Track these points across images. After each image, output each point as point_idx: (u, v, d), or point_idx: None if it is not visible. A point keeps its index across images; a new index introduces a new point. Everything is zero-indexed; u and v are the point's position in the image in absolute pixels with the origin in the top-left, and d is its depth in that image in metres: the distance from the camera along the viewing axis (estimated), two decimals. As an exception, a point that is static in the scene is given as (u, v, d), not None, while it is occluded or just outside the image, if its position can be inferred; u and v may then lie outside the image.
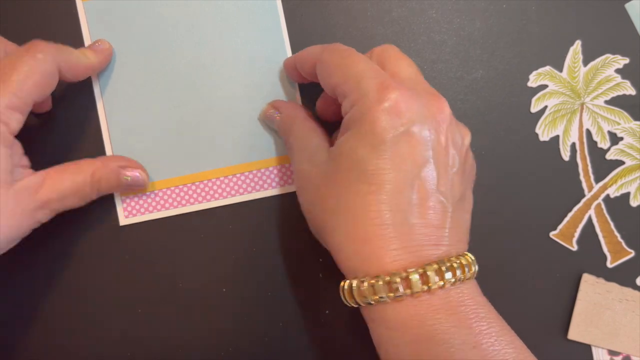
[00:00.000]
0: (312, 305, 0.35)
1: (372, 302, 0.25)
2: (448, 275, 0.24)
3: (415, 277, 0.24)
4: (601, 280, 0.33)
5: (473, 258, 0.26)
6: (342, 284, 0.27)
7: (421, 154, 0.26)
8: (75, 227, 0.35)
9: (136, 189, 0.34)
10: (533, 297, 0.35)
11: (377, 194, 0.25)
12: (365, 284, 0.25)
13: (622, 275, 0.35)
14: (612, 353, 0.35)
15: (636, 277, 0.35)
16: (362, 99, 0.26)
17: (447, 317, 0.24)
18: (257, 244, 0.35)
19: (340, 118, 0.29)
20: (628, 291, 0.33)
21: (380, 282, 0.24)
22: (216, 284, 0.35)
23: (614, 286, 0.33)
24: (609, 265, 0.35)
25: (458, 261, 0.25)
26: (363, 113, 0.26)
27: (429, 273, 0.24)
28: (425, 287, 0.24)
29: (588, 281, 0.33)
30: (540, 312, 0.35)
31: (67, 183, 0.30)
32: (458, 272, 0.25)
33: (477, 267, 0.26)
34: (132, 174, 0.33)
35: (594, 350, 0.35)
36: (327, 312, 0.35)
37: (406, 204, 0.25)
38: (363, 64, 0.27)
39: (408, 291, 0.24)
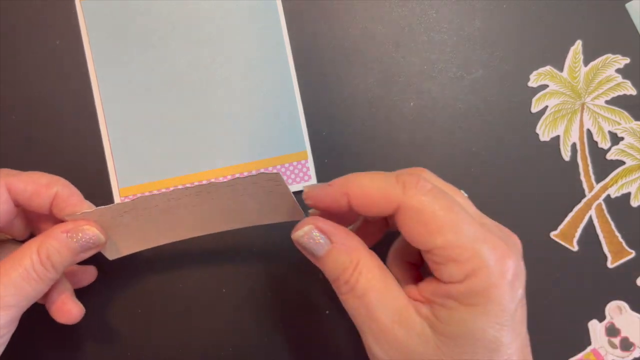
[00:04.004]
0: (312, 305, 0.35)
1: None
2: None
3: None
4: (93, 210, 0.29)
5: None
6: None
7: (524, 309, 0.25)
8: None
9: (94, 248, 0.29)
10: (533, 298, 0.35)
11: None
12: None
13: (623, 276, 0.35)
14: (609, 334, 0.35)
15: (637, 277, 0.35)
16: (482, 271, 0.23)
17: None
18: (257, 244, 0.35)
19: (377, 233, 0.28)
20: (125, 204, 0.28)
21: None
22: (216, 284, 0.35)
23: (103, 210, 0.28)
24: (610, 265, 0.35)
25: None
26: (487, 289, 0.23)
27: None
28: None
29: (74, 218, 0.29)
30: (540, 312, 0.35)
31: (15, 273, 0.26)
32: None
33: None
34: (82, 235, 0.28)
35: (591, 331, 0.35)
36: (327, 312, 0.35)
37: None
38: (470, 223, 0.24)
39: None
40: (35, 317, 0.35)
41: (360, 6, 0.36)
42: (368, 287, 0.24)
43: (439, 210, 0.23)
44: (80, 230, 0.28)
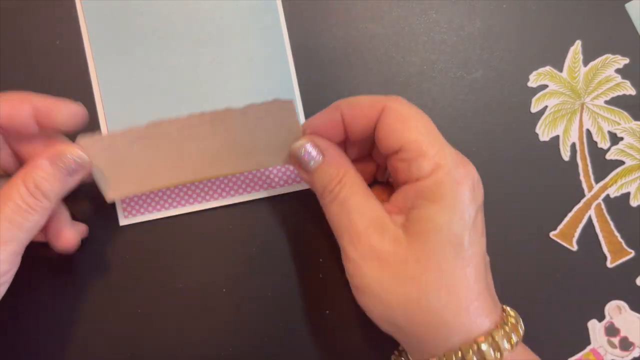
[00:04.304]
0: (312, 305, 0.35)
1: None
2: (520, 329, 0.27)
3: (510, 332, 0.26)
4: (97, 138, 0.29)
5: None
6: None
7: (483, 223, 0.28)
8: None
9: (81, 170, 0.29)
10: (532, 297, 0.35)
11: (471, 267, 0.26)
12: (470, 352, 0.25)
13: (622, 275, 0.35)
14: (609, 333, 0.35)
15: (636, 277, 0.36)
16: (447, 166, 0.26)
17: None
18: (257, 244, 0.35)
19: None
20: (137, 130, 0.29)
21: (486, 345, 0.25)
22: (216, 284, 0.35)
23: (115, 136, 0.29)
24: (609, 265, 0.35)
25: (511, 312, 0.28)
26: (452, 185, 0.26)
27: (507, 329, 0.26)
28: (517, 339, 0.26)
29: (87, 146, 0.29)
30: (539, 312, 0.35)
31: (7, 209, 0.26)
32: (521, 323, 0.27)
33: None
34: (65, 158, 0.28)
35: (590, 331, 0.35)
36: (327, 312, 0.35)
37: (484, 271, 0.27)
38: (439, 133, 0.27)
39: (508, 346, 0.26)
40: (34, 314, 0.35)
41: (360, 6, 0.36)
42: (349, 195, 0.27)
43: (416, 114, 0.27)
44: (63, 154, 0.28)
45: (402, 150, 0.27)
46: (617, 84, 0.36)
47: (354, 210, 0.27)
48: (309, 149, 0.28)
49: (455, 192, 0.26)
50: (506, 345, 0.25)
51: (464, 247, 0.26)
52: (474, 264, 0.26)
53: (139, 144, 0.29)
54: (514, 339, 0.26)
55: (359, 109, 0.28)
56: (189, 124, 0.29)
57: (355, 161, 0.31)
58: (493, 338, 0.25)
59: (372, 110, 0.27)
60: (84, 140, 0.28)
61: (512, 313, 0.28)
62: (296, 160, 0.29)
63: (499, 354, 0.25)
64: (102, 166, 0.30)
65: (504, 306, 0.28)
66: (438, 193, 0.26)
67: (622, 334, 0.35)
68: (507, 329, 0.26)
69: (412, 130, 0.26)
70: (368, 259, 0.27)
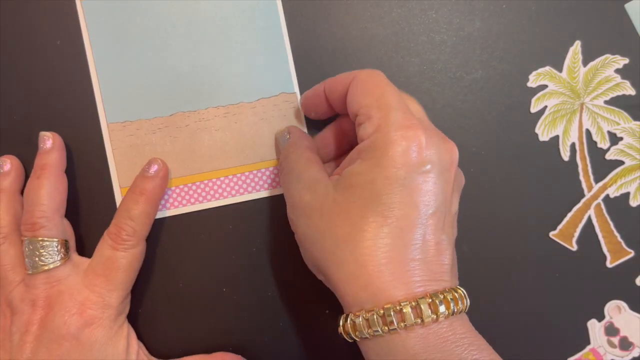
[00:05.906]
0: (312, 305, 0.35)
1: (385, 331, 0.25)
2: (442, 308, 0.25)
3: (426, 309, 0.25)
4: (127, 123, 0.33)
5: (465, 292, 0.27)
6: (342, 320, 0.27)
7: (435, 196, 0.26)
8: (76, 227, 0.34)
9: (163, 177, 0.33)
10: (532, 297, 0.35)
11: (393, 227, 0.26)
12: (375, 315, 0.25)
13: (622, 275, 0.35)
14: (608, 333, 0.35)
15: (636, 277, 0.36)
16: (387, 128, 0.26)
17: (441, 351, 0.25)
18: (257, 244, 0.35)
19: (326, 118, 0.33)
20: (156, 120, 0.33)
21: (392, 312, 0.25)
22: (216, 284, 0.35)
23: (142, 122, 0.33)
24: (609, 265, 0.35)
25: (454, 294, 0.26)
26: (386, 144, 0.26)
27: (422, 306, 0.25)
28: (433, 317, 0.25)
29: (115, 129, 0.33)
30: (539, 312, 0.35)
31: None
32: (452, 305, 0.25)
33: (468, 301, 0.27)
34: (151, 168, 0.33)
35: (590, 331, 0.35)
36: (327, 312, 0.35)
37: (417, 240, 0.26)
38: (398, 101, 0.27)
39: (418, 320, 0.25)
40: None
41: (360, 6, 0.36)
42: (292, 167, 0.30)
43: (380, 82, 0.28)
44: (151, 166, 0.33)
45: (357, 115, 0.28)
46: (617, 84, 0.36)
47: (294, 178, 0.29)
48: (284, 133, 0.33)
49: (386, 150, 0.26)
50: (413, 319, 0.24)
51: (384, 205, 0.26)
52: (396, 226, 0.25)
53: (160, 133, 0.32)
54: (427, 314, 0.24)
55: (335, 79, 0.31)
56: (206, 117, 0.32)
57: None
58: (402, 308, 0.24)
59: (345, 80, 0.29)
60: (113, 123, 0.32)
61: (457, 293, 0.26)
62: (276, 141, 0.34)
63: (403, 324, 0.24)
64: (124, 149, 0.34)
65: (457, 287, 0.27)
66: (370, 151, 0.27)
67: (622, 333, 0.35)
68: (423, 303, 0.25)
69: (365, 95, 0.28)
70: (300, 216, 0.28)
